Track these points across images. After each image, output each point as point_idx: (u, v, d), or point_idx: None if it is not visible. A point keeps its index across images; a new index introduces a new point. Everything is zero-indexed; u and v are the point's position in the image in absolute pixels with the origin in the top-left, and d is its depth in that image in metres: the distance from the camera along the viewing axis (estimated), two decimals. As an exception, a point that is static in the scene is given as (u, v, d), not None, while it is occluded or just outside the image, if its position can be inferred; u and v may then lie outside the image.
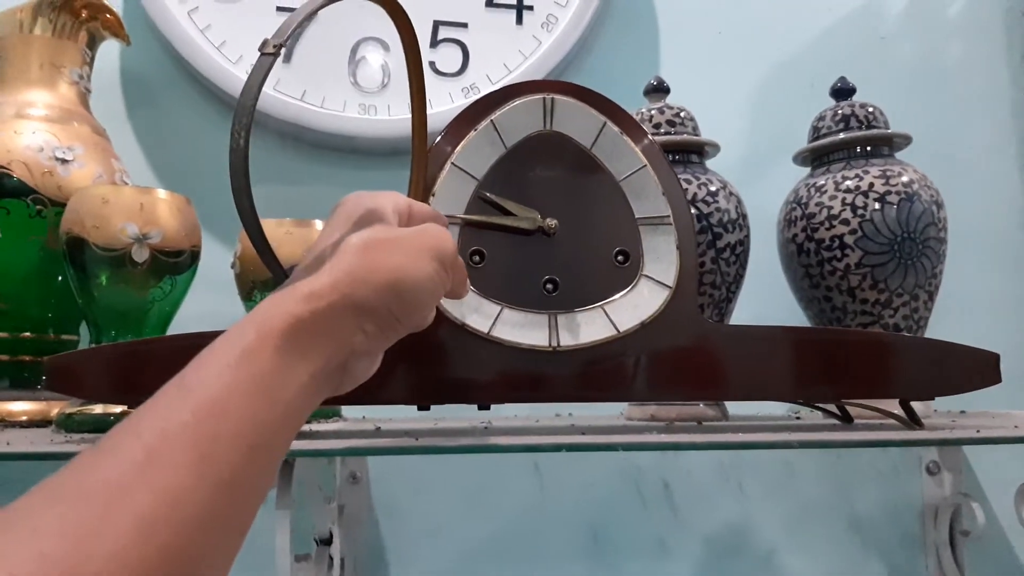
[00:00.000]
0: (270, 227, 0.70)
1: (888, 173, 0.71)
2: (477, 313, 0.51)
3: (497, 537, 0.90)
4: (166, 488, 0.26)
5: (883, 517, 0.94)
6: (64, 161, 0.72)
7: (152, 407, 0.29)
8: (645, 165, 0.53)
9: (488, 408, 0.54)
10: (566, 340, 0.51)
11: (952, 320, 0.78)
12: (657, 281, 0.52)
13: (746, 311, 0.74)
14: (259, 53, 0.37)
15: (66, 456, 0.48)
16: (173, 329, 0.67)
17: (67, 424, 0.60)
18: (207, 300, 0.74)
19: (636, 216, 0.53)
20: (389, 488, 0.89)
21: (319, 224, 0.71)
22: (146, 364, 0.51)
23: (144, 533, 0.25)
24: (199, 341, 0.50)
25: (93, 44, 0.81)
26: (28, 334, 0.72)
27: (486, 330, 0.51)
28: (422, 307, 0.39)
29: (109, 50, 0.90)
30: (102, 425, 0.60)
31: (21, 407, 0.69)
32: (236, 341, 0.32)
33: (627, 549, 0.91)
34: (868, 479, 0.95)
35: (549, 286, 0.52)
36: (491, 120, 0.53)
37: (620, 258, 0.53)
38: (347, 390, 0.39)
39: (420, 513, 0.89)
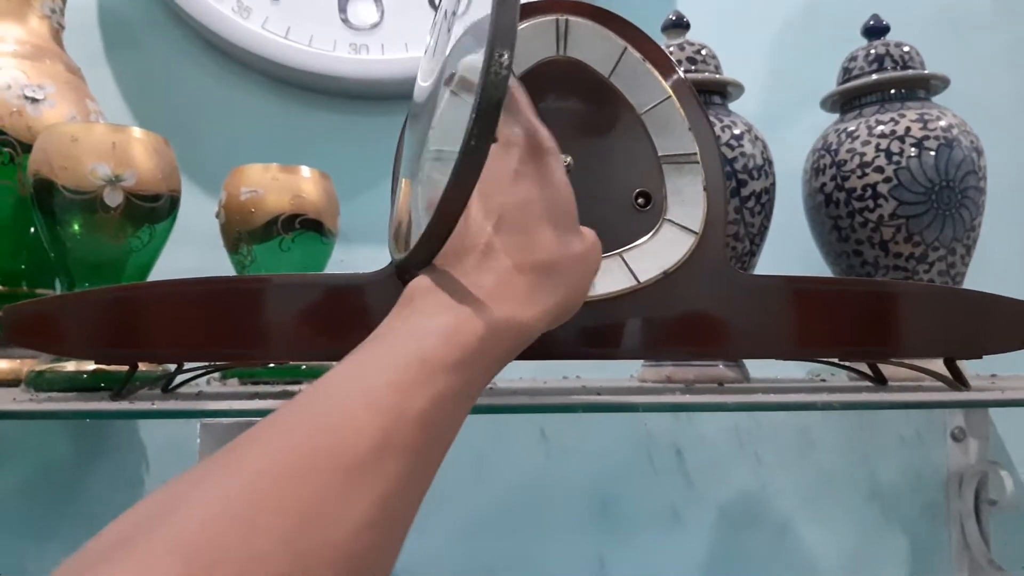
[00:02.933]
0: (256, 172, 0.65)
1: (926, 117, 0.66)
2: (482, 260, 0.46)
3: (502, 507, 0.85)
4: (392, 480, 0.25)
5: (905, 485, 0.90)
6: (34, 100, 0.67)
7: (390, 371, 0.27)
8: (669, 96, 0.47)
9: (493, 367, 0.49)
10: (580, 291, 0.46)
11: (988, 276, 0.73)
12: (681, 226, 0.47)
13: (766, 268, 0.68)
14: None
15: (26, 415, 0.43)
16: (152, 282, 0.62)
17: (37, 382, 0.56)
18: (189, 252, 0.69)
19: (659, 154, 0.48)
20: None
21: (306, 171, 0.66)
22: (132, 314, 0.46)
23: (370, 525, 0.23)
24: (192, 288, 0.47)
25: (67, -24, 0.75)
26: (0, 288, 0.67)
27: (492, 279, 0.45)
28: None
29: (86, -16, 0.84)
30: (75, 383, 0.55)
31: (-8, 365, 0.65)
32: (479, 335, 0.30)
33: (638, 519, 0.87)
34: (890, 446, 0.90)
35: (561, 231, 0.46)
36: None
37: (641, 201, 0.47)
38: None
39: (420, 480, 0.85)
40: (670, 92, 0.48)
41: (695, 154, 0.47)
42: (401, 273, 0.34)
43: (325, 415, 0.25)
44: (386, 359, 0.28)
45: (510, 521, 0.86)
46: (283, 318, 0.46)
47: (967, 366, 0.66)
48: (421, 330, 0.29)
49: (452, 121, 0.45)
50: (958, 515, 0.87)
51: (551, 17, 0.47)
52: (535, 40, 0.47)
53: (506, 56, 0.30)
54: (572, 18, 0.47)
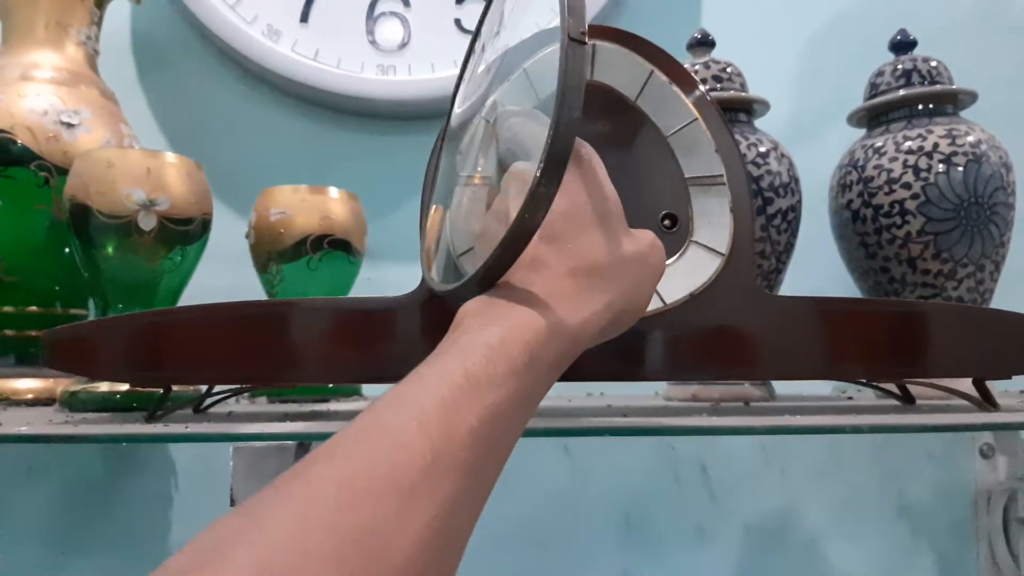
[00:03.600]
0: (285, 194, 0.66)
1: (954, 133, 0.65)
2: (510, 283, 0.46)
3: (526, 523, 0.86)
4: (445, 498, 0.25)
5: (933, 503, 0.89)
6: (70, 125, 0.69)
7: (435, 389, 0.27)
8: (696, 119, 0.48)
9: (520, 387, 0.49)
10: (607, 313, 0.46)
11: (1018, 293, 0.72)
12: (708, 248, 0.47)
13: (792, 286, 0.68)
14: (569, 39, 0.31)
15: (63, 439, 0.44)
16: (183, 303, 0.63)
17: (71, 403, 0.57)
18: (220, 271, 0.70)
19: (685, 175, 0.48)
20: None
21: (334, 192, 0.67)
22: (165, 338, 0.47)
23: (425, 546, 0.23)
24: (223, 312, 0.47)
25: (101, 3, 0.77)
26: (35, 308, 0.69)
27: (519, 302, 0.46)
28: None
29: (119, 10, 0.85)
30: (108, 404, 0.56)
31: (27, 384, 0.66)
32: (526, 344, 0.30)
33: (662, 536, 0.87)
34: (918, 463, 0.89)
35: (589, 254, 0.47)
36: (524, 69, 0.47)
37: (667, 222, 0.48)
38: None
39: (445, 496, 0.85)
40: (696, 114, 0.48)
41: (721, 176, 0.48)
42: (454, 300, 0.35)
43: (378, 437, 0.25)
44: (435, 378, 0.28)
45: (533, 538, 0.86)
46: (311, 341, 0.47)
47: (996, 384, 0.66)
48: (467, 346, 0.29)
49: (483, 147, 0.46)
50: (987, 533, 0.86)
51: (578, 42, 0.48)
52: (561, 65, 0.48)
53: (577, 106, 0.30)
54: (599, 43, 0.48)
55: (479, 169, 0.43)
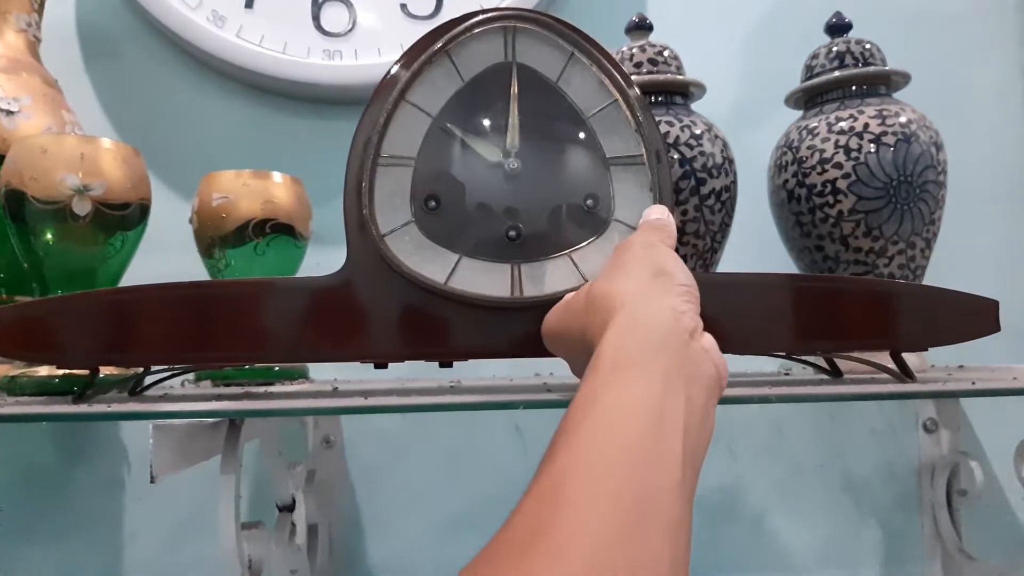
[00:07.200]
0: (228, 179, 0.67)
1: (885, 113, 0.67)
2: (433, 263, 0.47)
3: (479, 502, 0.87)
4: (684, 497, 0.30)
5: (878, 477, 0.91)
6: (9, 113, 0.68)
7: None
8: (616, 100, 0.49)
9: (451, 366, 0.50)
10: (530, 291, 0.47)
11: (951, 269, 0.74)
12: (629, 226, 0.48)
13: (735, 264, 0.70)
14: None
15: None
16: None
17: (10, 387, 0.57)
18: (166, 258, 0.70)
19: (606, 156, 0.49)
20: (365, 452, 0.86)
21: (277, 176, 0.67)
22: (90, 320, 0.47)
23: (671, 538, 0.28)
24: (154, 293, 0.47)
25: (41, -10, 0.76)
26: (-21, 296, 0.69)
27: (443, 281, 0.47)
28: None
29: (62, -3, 0.85)
30: (47, 388, 0.57)
31: (-29, 372, 0.66)
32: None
33: (613, 512, 0.88)
34: (863, 438, 0.91)
35: (512, 233, 0.48)
36: (446, 51, 0.48)
37: (589, 202, 0.49)
38: None
39: (398, 478, 0.86)
40: (616, 95, 0.49)
41: (641, 156, 0.49)
42: None
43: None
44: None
45: (488, 517, 0.87)
46: (245, 321, 0.47)
47: (936, 359, 0.68)
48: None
49: (406, 128, 0.47)
50: (930, 505, 0.89)
51: (499, 25, 0.49)
52: (484, 46, 0.49)
53: None
54: (520, 25, 0.49)
55: None
